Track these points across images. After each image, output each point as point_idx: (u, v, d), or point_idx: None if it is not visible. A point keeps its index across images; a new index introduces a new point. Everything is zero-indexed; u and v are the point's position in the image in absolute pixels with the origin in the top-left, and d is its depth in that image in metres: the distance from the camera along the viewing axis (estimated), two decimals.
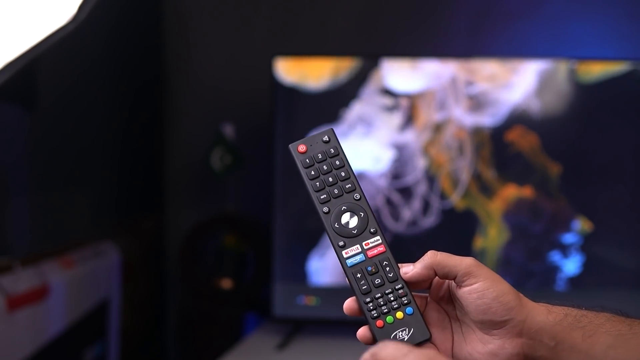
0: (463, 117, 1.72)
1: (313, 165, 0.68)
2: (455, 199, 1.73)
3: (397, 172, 1.74)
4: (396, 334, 0.63)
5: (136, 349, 1.98)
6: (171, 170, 2.11)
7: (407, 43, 1.97)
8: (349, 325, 1.79)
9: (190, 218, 2.05)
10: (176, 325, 2.10)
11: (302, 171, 0.68)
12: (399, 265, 0.66)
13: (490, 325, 0.63)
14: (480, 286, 0.63)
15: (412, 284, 0.66)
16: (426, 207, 1.74)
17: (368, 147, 1.75)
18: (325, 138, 0.68)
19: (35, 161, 1.53)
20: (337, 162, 0.68)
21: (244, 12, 2.03)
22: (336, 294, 1.73)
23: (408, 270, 0.65)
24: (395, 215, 1.74)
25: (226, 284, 1.97)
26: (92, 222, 1.78)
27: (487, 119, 1.72)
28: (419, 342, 0.63)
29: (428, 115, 1.73)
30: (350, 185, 0.67)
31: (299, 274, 1.77)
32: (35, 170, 1.54)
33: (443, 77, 1.73)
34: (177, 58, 2.08)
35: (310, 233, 1.76)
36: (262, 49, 1.95)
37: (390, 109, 1.74)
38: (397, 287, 0.64)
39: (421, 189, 1.74)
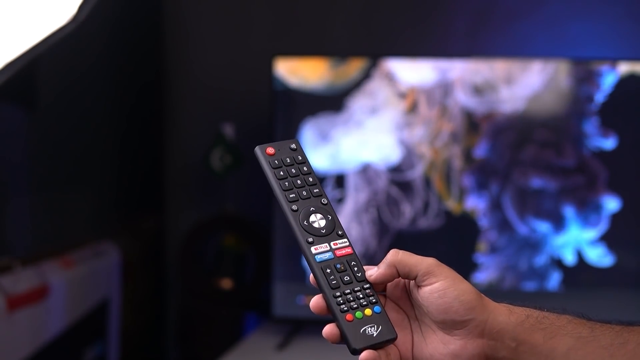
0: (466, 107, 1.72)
1: (281, 167, 0.69)
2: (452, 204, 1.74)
3: (400, 166, 1.74)
4: (365, 329, 0.63)
5: (136, 349, 1.98)
6: (171, 170, 2.11)
7: (407, 43, 1.97)
8: None
9: (190, 218, 2.05)
10: (176, 325, 2.10)
11: (270, 171, 0.69)
12: (364, 267, 0.67)
13: (451, 325, 0.63)
14: (441, 285, 0.63)
15: (377, 285, 0.66)
16: (426, 207, 1.74)
17: (368, 141, 1.75)
18: (293, 146, 0.70)
19: (36, 161, 1.53)
20: (305, 169, 0.69)
21: (244, 13, 2.03)
22: None
23: (372, 272, 0.66)
24: (396, 213, 1.74)
25: (226, 284, 1.97)
26: (92, 222, 1.78)
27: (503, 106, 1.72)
28: (386, 340, 0.63)
29: (430, 111, 1.73)
30: (317, 190, 0.69)
31: (299, 274, 1.77)
32: (35, 170, 1.54)
33: (447, 73, 1.73)
34: (177, 58, 2.07)
35: None
36: (261, 49, 1.95)
37: (391, 106, 1.74)
38: (365, 287, 0.65)
39: (419, 185, 1.74)
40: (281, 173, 0.69)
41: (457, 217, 1.74)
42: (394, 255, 0.65)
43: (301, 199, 0.68)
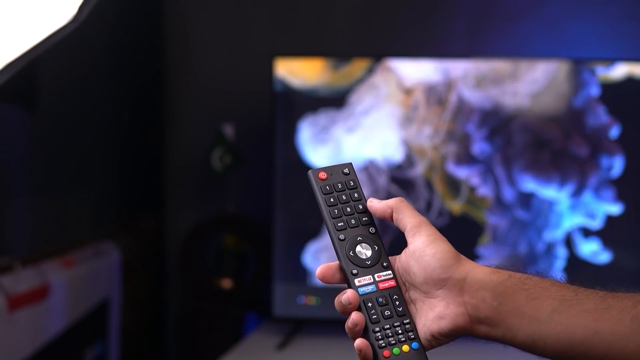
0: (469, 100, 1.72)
1: (332, 193, 0.69)
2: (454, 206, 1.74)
3: (401, 163, 1.74)
4: None
5: (136, 349, 1.98)
6: (171, 170, 2.11)
7: (407, 43, 1.97)
8: None
9: (190, 218, 2.05)
10: (176, 325, 2.10)
11: (321, 197, 0.68)
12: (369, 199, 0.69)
13: (432, 285, 0.64)
14: (421, 244, 0.65)
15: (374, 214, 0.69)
16: (428, 207, 1.74)
17: (369, 139, 1.75)
18: (346, 170, 0.70)
19: (36, 161, 1.53)
20: (356, 195, 0.69)
21: (244, 13, 2.03)
22: (336, 293, 1.72)
23: (373, 204, 0.69)
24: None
25: (226, 284, 1.97)
26: (92, 222, 1.78)
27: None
28: None
29: (430, 109, 1.73)
30: (366, 218, 0.69)
31: (299, 274, 1.77)
32: (35, 170, 1.54)
33: (449, 72, 1.73)
34: (177, 58, 2.08)
35: (311, 233, 1.76)
36: (262, 49, 1.95)
37: (391, 104, 1.74)
38: (404, 322, 0.65)
39: (422, 184, 1.74)
40: (331, 200, 0.68)
41: (457, 217, 1.74)
42: (398, 202, 0.68)
43: (349, 227, 0.68)
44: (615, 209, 1.72)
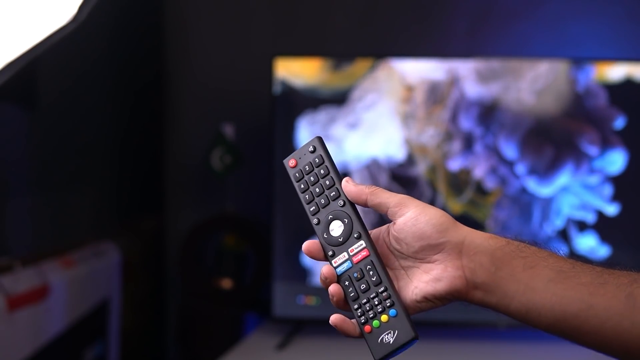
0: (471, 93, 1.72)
1: (302, 178, 0.70)
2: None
3: (403, 162, 1.74)
4: (382, 337, 0.65)
5: (136, 349, 1.98)
6: (171, 170, 2.11)
7: (407, 43, 1.97)
8: None
9: (190, 218, 2.05)
10: (176, 325, 2.10)
11: (296, 185, 0.71)
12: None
13: (429, 250, 0.64)
14: (413, 213, 0.65)
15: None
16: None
17: (369, 137, 1.75)
18: (311, 148, 0.71)
19: (36, 161, 1.53)
20: (322, 171, 0.70)
21: (244, 13, 2.03)
22: None
23: (347, 184, 0.68)
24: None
25: (226, 284, 1.97)
26: (92, 222, 1.78)
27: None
28: (404, 343, 0.64)
29: (432, 108, 1.73)
30: (334, 192, 0.69)
31: (299, 274, 1.77)
32: (35, 170, 1.54)
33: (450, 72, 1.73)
34: (177, 58, 2.08)
35: (311, 233, 1.76)
36: (261, 49, 1.95)
37: (391, 103, 1.74)
38: (380, 291, 0.66)
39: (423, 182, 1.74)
40: (302, 186, 0.70)
41: (457, 216, 1.74)
42: (373, 187, 0.68)
43: (321, 208, 0.70)
44: (612, 208, 1.72)
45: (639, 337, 0.58)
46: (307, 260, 1.76)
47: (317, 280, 1.76)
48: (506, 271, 0.62)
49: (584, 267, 0.62)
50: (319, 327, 1.81)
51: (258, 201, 1.97)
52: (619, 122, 1.71)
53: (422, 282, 0.64)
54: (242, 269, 2.00)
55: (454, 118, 1.73)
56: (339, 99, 1.75)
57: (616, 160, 1.71)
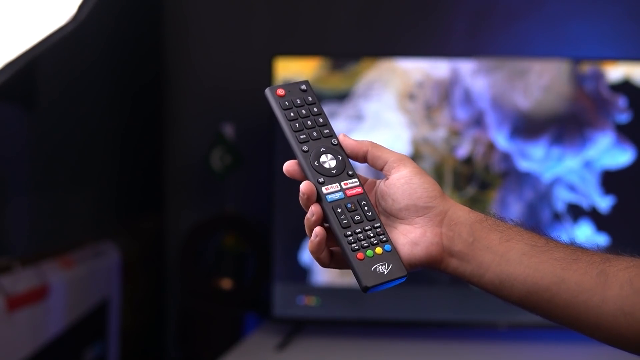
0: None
1: (292, 108, 0.69)
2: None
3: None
4: (376, 267, 0.64)
5: (136, 349, 1.98)
6: (171, 170, 2.11)
7: (407, 42, 1.97)
8: (349, 325, 1.79)
9: (190, 218, 2.05)
10: (176, 325, 2.10)
11: (280, 113, 0.69)
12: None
13: (414, 211, 0.65)
14: (409, 172, 0.66)
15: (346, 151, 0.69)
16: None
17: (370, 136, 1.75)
18: (303, 87, 0.70)
19: (35, 161, 1.53)
20: (315, 110, 0.69)
21: (244, 12, 2.03)
22: (336, 293, 1.73)
23: (345, 138, 0.69)
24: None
25: (226, 284, 1.97)
26: (92, 222, 1.78)
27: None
28: (396, 278, 0.64)
29: (430, 106, 1.73)
30: (328, 131, 0.69)
31: (299, 274, 1.77)
32: (35, 170, 1.54)
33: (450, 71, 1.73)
34: (177, 58, 2.07)
35: None
36: (261, 48, 1.95)
37: (391, 102, 1.74)
38: (375, 226, 0.65)
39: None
40: (291, 114, 0.68)
41: None
42: (373, 142, 0.69)
43: (312, 139, 0.68)
44: (605, 202, 1.72)
45: (609, 314, 0.59)
46: (307, 260, 1.76)
47: (317, 280, 1.76)
48: (483, 243, 0.63)
49: (558, 244, 0.64)
50: (319, 327, 1.80)
51: (258, 201, 1.96)
52: (622, 118, 1.71)
53: (399, 243, 0.65)
54: (242, 269, 2.00)
55: (455, 115, 1.73)
56: (340, 99, 1.75)
57: (617, 156, 1.71)
